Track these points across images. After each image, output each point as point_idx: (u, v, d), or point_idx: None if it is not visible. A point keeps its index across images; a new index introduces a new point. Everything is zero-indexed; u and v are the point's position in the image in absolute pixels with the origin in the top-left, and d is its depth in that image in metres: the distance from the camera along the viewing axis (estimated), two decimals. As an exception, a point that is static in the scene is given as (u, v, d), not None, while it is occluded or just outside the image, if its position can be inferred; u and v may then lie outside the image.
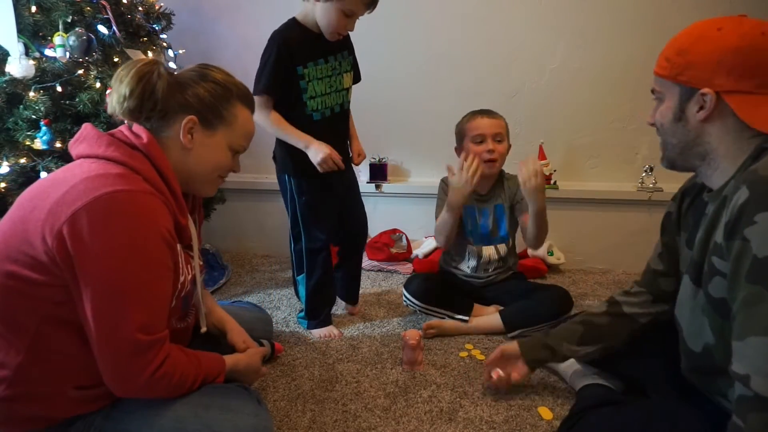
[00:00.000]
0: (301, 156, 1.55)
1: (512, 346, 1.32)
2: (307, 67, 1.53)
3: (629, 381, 1.27)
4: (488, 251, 1.79)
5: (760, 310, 0.75)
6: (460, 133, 1.75)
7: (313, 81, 1.55)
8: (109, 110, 0.98)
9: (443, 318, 1.72)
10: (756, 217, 0.75)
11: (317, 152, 1.51)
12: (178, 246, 0.99)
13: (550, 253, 2.29)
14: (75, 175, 0.87)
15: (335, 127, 1.63)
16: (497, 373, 1.31)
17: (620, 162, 2.30)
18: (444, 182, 1.81)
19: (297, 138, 1.54)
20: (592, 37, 2.21)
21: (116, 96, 0.96)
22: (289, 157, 1.60)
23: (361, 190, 2.42)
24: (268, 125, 1.55)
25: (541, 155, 2.28)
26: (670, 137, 0.94)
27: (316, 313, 1.73)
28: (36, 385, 0.89)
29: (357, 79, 1.73)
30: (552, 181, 2.28)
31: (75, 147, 0.96)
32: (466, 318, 1.71)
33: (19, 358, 0.87)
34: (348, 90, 1.65)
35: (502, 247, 1.81)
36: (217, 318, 1.29)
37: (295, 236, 1.73)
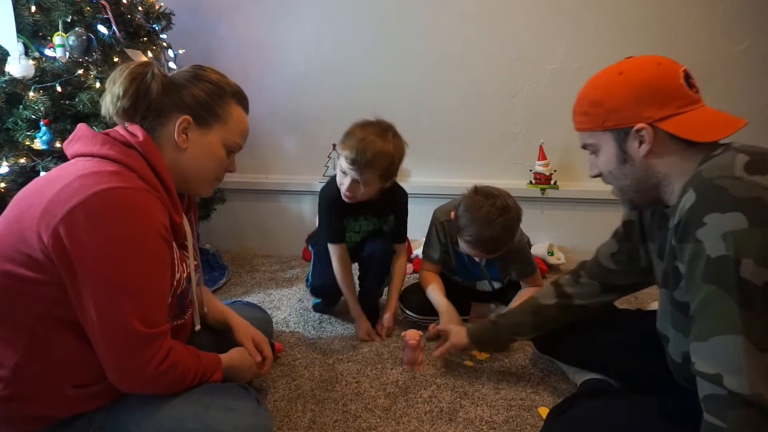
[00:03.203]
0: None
1: (463, 339, 1.41)
2: (347, 220, 1.70)
3: (628, 381, 1.28)
4: (481, 285, 1.77)
5: (720, 309, 0.76)
6: (457, 228, 1.54)
7: (350, 232, 1.72)
8: (103, 111, 0.99)
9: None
10: (705, 218, 0.77)
11: (357, 327, 1.72)
12: (174, 244, 0.99)
13: (551, 253, 2.29)
14: (70, 174, 0.87)
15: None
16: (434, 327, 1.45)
17: (620, 162, 2.29)
18: (437, 225, 1.69)
19: (350, 305, 1.72)
20: (592, 37, 2.21)
21: (110, 97, 0.97)
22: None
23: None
24: (339, 279, 1.70)
25: (541, 155, 2.28)
26: (623, 180, 0.97)
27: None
28: (34, 384, 0.89)
29: (396, 239, 1.76)
30: (552, 181, 2.28)
31: (70, 146, 0.96)
32: (465, 317, 1.71)
33: (16, 358, 0.87)
34: (385, 233, 1.75)
35: (496, 284, 1.75)
36: (219, 313, 1.29)
37: None
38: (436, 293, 1.68)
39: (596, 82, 0.96)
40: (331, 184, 1.63)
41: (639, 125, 0.89)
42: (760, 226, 0.74)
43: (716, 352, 0.77)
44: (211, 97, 1.02)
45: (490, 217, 1.44)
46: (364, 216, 1.71)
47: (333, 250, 1.68)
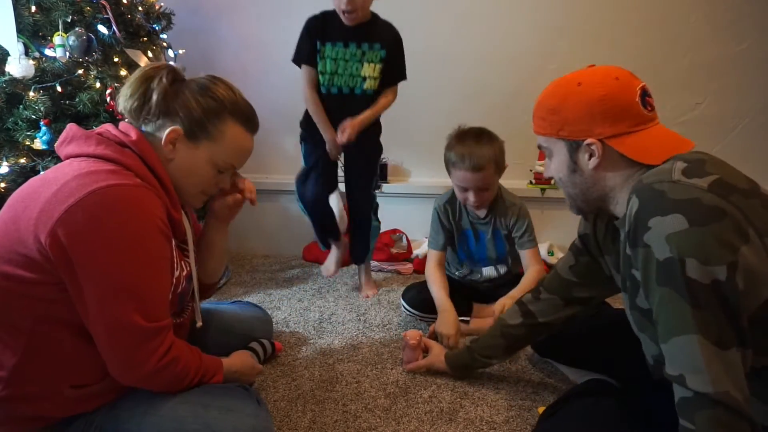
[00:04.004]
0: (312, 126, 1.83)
1: (441, 363, 1.44)
2: (325, 46, 1.71)
3: (626, 381, 1.28)
4: (487, 271, 1.80)
5: (674, 310, 0.77)
6: (446, 166, 1.65)
7: (326, 59, 1.72)
8: (118, 107, 1.02)
9: None
10: (650, 222, 0.78)
11: (327, 141, 1.80)
12: (173, 241, 0.99)
13: (551, 254, 2.29)
14: (66, 174, 0.87)
15: (343, 107, 1.76)
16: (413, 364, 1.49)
17: (620, 162, 2.29)
18: (438, 210, 1.76)
19: (319, 124, 1.79)
20: (593, 37, 2.21)
21: (122, 94, 0.99)
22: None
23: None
24: (306, 100, 1.79)
25: (542, 155, 2.27)
26: (571, 188, 1.00)
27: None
28: (32, 385, 0.89)
29: (390, 80, 1.81)
30: (552, 182, 2.27)
31: (63, 148, 0.97)
32: (467, 319, 1.71)
33: (15, 359, 0.87)
34: (366, 79, 1.75)
35: (502, 267, 1.79)
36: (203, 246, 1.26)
37: None
38: (438, 290, 1.69)
39: (555, 90, 0.97)
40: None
41: (590, 140, 0.91)
42: (700, 226, 0.74)
43: (676, 354, 0.78)
44: (205, 113, 1.00)
45: (472, 132, 1.61)
46: (344, 42, 1.70)
47: (302, 73, 1.76)
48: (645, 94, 0.91)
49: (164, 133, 0.99)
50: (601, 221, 1.11)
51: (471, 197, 1.61)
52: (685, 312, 0.75)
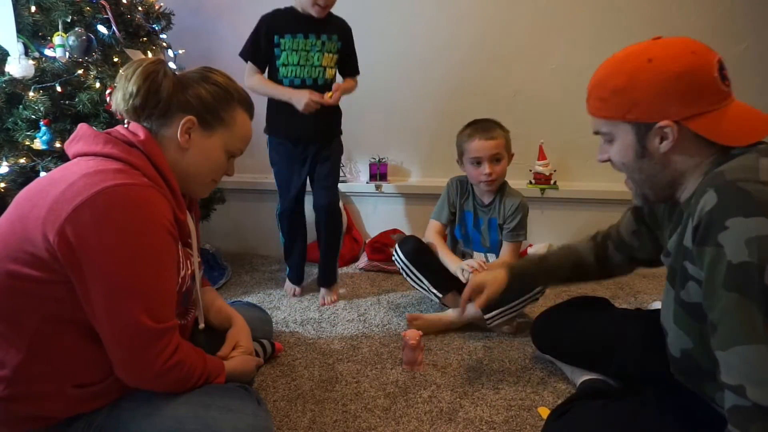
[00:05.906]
0: (274, 119, 1.84)
1: (501, 285, 1.30)
2: (284, 38, 1.74)
3: (627, 381, 1.28)
4: (478, 256, 1.84)
5: (741, 317, 0.73)
6: (459, 149, 1.74)
7: (287, 51, 1.75)
8: (113, 107, 1.00)
9: (422, 288, 1.77)
10: (728, 222, 0.74)
11: (299, 101, 1.70)
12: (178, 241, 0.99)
13: (550, 253, 2.29)
14: (74, 173, 0.88)
15: None
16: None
17: (620, 162, 2.30)
18: (450, 185, 1.84)
19: (280, 93, 1.75)
20: (592, 37, 2.21)
21: (122, 93, 0.97)
22: (267, 120, 1.87)
23: (361, 191, 2.44)
24: (254, 85, 1.75)
25: (541, 155, 2.28)
26: (637, 174, 0.93)
27: (288, 266, 2.05)
28: (35, 384, 0.89)
29: (351, 71, 1.90)
30: (552, 181, 2.28)
31: (71, 146, 0.97)
32: (440, 295, 1.73)
33: (18, 357, 0.87)
34: (326, 68, 1.80)
35: (492, 257, 1.82)
36: (225, 316, 1.27)
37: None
38: (447, 256, 1.74)
39: (621, 67, 0.88)
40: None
41: (664, 122, 0.84)
42: None
43: (739, 363, 0.74)
44: (217, 101, 1.03)
45: (481, 119, 1.73)
46: (303, 34, 1.73)
47: (247, 68, 1.77)
48: (722, 67, 0.83)
49: (175, 127, 1.00)
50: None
51: (485, 169, 1.67)
52: (754, 321, 0.72)
